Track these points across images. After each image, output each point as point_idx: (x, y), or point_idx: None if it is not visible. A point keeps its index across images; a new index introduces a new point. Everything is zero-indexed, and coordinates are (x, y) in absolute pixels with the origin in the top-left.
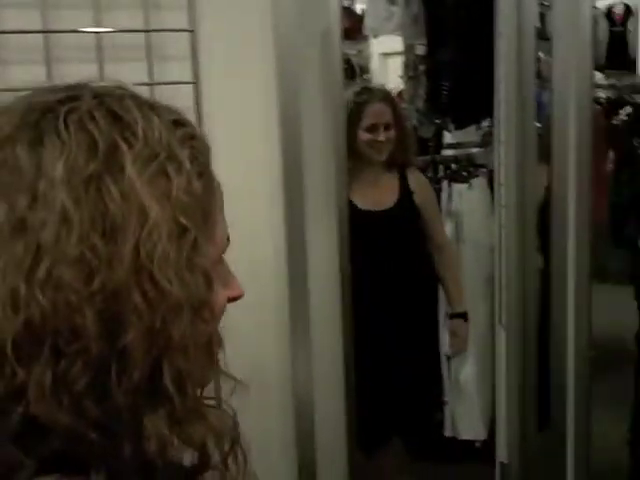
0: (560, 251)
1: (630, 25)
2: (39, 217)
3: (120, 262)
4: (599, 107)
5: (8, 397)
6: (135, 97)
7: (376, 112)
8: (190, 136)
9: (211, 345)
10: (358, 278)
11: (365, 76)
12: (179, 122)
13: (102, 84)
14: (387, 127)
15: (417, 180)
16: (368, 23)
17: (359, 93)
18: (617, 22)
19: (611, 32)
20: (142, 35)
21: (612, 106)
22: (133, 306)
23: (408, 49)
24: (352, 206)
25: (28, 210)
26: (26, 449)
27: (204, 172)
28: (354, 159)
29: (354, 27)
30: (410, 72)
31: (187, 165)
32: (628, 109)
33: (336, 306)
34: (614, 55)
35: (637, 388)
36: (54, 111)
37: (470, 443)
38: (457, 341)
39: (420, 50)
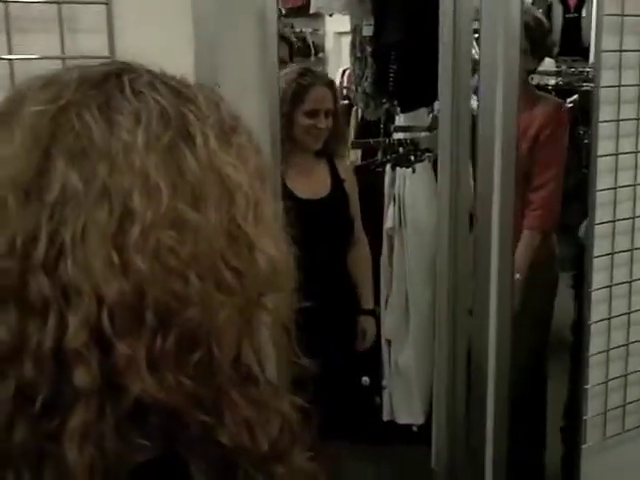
0: (483, 241)
1: (584, 11)
2: (122, 183)
3: (211, 226)
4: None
5: (111, 374)
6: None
7: (319, 97)
8: (236, 115)
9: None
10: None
11: (320, 55)
12: (225, 101)
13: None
14: (327, 114)
15: (346, 169)
16: (315, 1)
17: (302, 74)
18: (571, 8)
19: (565, 18)
20: (54, 6)
21: (560, 93)
22: (226, 275)
23: (355, 29)
24: (291, 194)
25: (108, 177)
26: (135, 431)
27: (258, 150)
28: (289, 145)
29: (308, 4)
30: (357, 53)
31: (249, 140)
32: (574, 97)
33: None
34: (568, 42)
35: (572, 376)
36: (114, 80)
37: (408, 426)
38: (363, 337)
39: (367, 30)
